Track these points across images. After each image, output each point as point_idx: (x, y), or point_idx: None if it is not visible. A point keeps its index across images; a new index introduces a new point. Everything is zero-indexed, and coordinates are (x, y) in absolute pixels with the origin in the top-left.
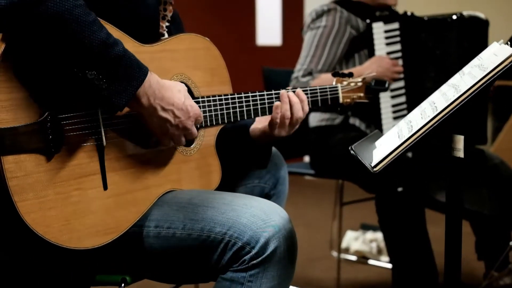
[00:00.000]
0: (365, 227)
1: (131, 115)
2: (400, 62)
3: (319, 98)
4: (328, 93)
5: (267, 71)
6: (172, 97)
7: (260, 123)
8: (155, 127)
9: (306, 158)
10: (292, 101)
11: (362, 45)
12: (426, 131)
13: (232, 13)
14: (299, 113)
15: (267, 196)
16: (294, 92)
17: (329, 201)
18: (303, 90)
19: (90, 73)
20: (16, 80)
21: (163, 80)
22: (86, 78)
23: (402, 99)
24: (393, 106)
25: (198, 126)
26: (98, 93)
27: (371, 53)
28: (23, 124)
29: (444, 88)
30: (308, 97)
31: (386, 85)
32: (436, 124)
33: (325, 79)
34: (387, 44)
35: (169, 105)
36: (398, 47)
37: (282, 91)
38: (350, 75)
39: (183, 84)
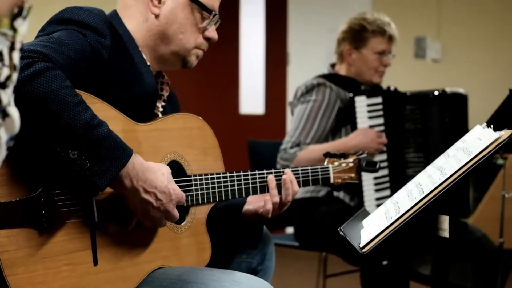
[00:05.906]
0: None
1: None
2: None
3: (310, 178)
4: (320, 173)
5: (252, 143)
6: (155, 179)
7: (252, 204)
8: (137, 208)
9: (288, 230)
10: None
11: (346, 118)
12: (413, 214)
13: (216, 81)
14: (289, 197)
15: (254, 271)
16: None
17: (312, 273)
18: (295, 171)
19: (73, 153)
20: (11, 156)
21: (147, 162)
22: (69, 157)
23: (385, 171)
24: (375, 178)
25: (190, 204)
26: (80, 173)
27: (353, 126)
28: (17, 199)
29: (430, 169)
30: (299, 177)
31: (377, 166)
32: (422, 206)
33: (312, 150)
34: (370, 117)
35: (151, 187)
36: (380, 120)
37: (270, 176)
38: (342, 156)
39: (167, 167)
